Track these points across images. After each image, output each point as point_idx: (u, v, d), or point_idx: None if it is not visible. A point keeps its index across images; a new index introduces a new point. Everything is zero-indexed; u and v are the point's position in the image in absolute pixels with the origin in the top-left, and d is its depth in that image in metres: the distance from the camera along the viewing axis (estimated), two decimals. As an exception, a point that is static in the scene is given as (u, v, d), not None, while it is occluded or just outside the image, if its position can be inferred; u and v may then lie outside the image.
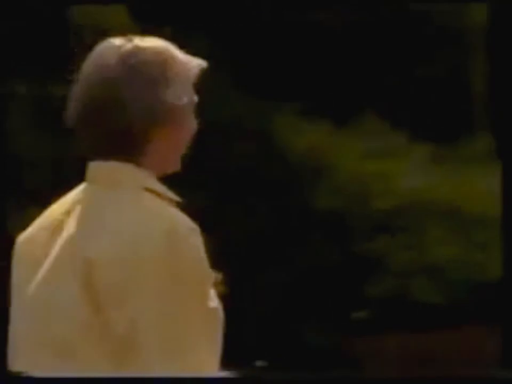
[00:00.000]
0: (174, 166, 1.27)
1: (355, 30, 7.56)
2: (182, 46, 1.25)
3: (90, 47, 1.26)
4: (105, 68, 1.20)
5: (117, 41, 1.23)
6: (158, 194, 1.23)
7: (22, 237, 1.32)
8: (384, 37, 7.61)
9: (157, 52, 1.22)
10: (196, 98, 1.22)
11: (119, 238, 1.18)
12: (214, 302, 1.19)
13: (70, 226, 1.24)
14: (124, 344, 1.17)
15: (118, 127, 1.21)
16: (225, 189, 8.05)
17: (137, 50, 1.21)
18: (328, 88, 7.80)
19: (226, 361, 1.26)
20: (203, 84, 1.24)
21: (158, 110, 1.20)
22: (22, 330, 1.27)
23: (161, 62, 1.21)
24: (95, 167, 1.25)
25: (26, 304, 1.27)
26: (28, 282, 1.28)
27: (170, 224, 1.18)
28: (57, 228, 1.27)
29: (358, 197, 7.94)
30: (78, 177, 1.31)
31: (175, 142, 1.24)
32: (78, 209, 1.25)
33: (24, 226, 1.33)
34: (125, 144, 1.22)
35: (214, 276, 1.21)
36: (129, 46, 1.21)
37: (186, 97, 1.21)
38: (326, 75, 7.80)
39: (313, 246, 8.02)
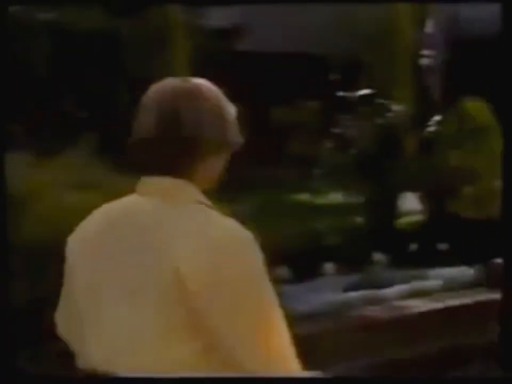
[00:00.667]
0: (214, 183, 1.47)
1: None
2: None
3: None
4: (170, 103, 1.41)
5: (178, 80, 1.44)
6: (209, 206, 1.41)
7: (76, 239, 1.48)
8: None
9: (215, 94, 1.45)
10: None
11: (203, 247, 1.35)
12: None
13: (143, 236, 1.41)
14: (214, 337, 1.33)
15: (182, 151, 1.41)
16: None
17: (200, 89, 1.44)
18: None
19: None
20: None
21: (217, 142, 1.43)
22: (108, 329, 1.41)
23: (218, 101, 1.43)
24: (151, 182, 1.44)
25: (105, 305, 1.41)
26: (97, 285, 1.43)
27: (239, 232, 1.37)
28: (119, 234, 1.43)
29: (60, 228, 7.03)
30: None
31: (221, 164, 1.45)
32: (141, 219, 1.44)
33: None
34: (183, 164, 1.43)
35: None
36: (190, 85, 1.44)
37: (236, 134, 1.44)
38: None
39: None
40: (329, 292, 2.60)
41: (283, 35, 4.85)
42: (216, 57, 3.47)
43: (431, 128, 3.54)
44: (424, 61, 4.37)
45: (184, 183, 1.45)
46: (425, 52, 4.42)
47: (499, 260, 2.87)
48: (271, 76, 4.51)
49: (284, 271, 2.57)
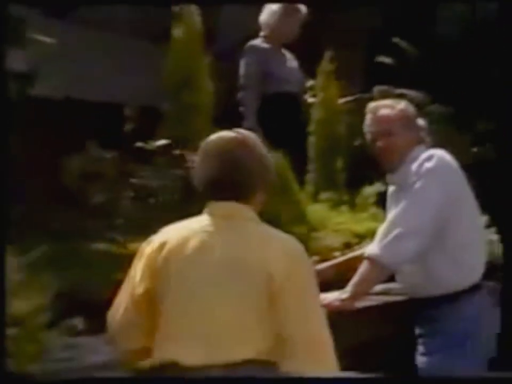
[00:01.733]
0: (261, 207, 2.02)
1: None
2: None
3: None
4: (232, 154, 1.92)
5: (231, 133, 2.00)
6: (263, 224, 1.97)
7: (170, 244, 1.92)
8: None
9: (259, 142, 2.01)
10: None
11: (284, 253, 1.84)
12: None
13: (230, 247, 1.85)
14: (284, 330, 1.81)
15: (246, 186, 1.96)
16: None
17: (249, 140, 1.99)
18: None
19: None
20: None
21: (266, 180, 2.00)
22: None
23: (262, 148, 2.00)
24: (221, 206, 1.93)
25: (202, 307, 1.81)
26: (189, 290, 1.83)
27: (298, 243, 1.92)
28: (203, 246, 1.86)
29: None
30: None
31: (265, 196, 2.03)
32: (224, 234, 1.87)
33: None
34: (246, 194, 1.94)
35: None
36: (243, 136, 1.98)
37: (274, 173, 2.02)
38: None
39: None
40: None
41: (84, 82, 4.74)
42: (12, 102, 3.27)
43: None
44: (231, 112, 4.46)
45: (247, 207, 1.94)
46: (237, 103, 4.51)
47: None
48: (66, 123, 4.36)
49: (80, 322, 2.44)
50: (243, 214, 1.94)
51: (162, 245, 1.95)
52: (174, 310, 1.87)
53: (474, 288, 3.00)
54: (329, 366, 1.87)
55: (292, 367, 1.82)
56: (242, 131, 2.01)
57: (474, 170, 4.16)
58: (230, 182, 1.92)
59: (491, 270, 3.30)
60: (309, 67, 4.74)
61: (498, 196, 5.09)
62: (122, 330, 2.04)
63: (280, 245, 1.90)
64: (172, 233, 1.96)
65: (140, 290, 1.98)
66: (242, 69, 4.57)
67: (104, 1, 3.52)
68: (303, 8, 4.71)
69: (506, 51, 5.95)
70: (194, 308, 1.83)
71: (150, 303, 1.95)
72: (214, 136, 1.99)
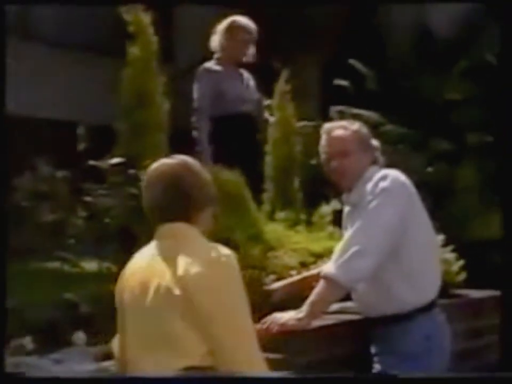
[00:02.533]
0: (210, 225, 2.22)
1: None
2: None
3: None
4: (171, 179, 2.13)
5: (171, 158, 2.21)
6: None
7: (125, 274, 2.19)
8: None
9: (198, 164, 2.22)
10: None
11: (199, 263, 2.02)
12: None
13: (163, 264, 2.06)
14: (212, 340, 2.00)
15: (188, 208, 2.14)
16: None
17: (188, 163, 2.21)
18: None
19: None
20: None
21: (207, 201, 2.20)
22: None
23: (202, 169, 2.21)
24: (165, 228, 2.14)
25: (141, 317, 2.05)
26: (138, 304, 2.06)
27: (222, 250, 2.08)
28: (150, 268, 2.08)
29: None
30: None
31: (211, 214, 2.21)
32: (164, 256, 2.09)
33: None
34: (187, 215, 2.14)
35: None
36: (181, 161, 2.20)
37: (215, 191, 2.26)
38: None
39: None
40: (79, 362, 2.45)
41: (34, 99, 4.67)
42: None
43: None
44: (189, 133, 4.45)
45: (189, 226, 2.13)
46: (191, 125, 4.50)
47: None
48: (17, 141, 4.30)
49: (28, 342, 2.38)
50: (180, 232, 2.13)
51: (124, 272, 2.21)
52: (128, 328, 2.14)
53: (429, 306, 3.01)
54: (255, 363, 2.06)
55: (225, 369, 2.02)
56: (181, 157, 2.20)
57: (429, 190, 4.20)
58: (170, 205, 2.11)
59: (445, 288, 3.32)
60: (266, 87, 4.75)
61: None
62: (114, 344, 2.29)
63: (201, 253, 2.07)
64: (133, 260, 2.21)
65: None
66: (194, 92, 4.57)
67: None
68: (251, 27, 4.70)
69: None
70: (138, 325, 2.07)
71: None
72: (155, 163, 2.18)
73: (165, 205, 2.12)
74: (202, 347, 2.00)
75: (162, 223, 2.14)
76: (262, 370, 2.09)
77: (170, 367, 1.97)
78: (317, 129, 3.40)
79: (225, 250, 2.10)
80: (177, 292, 2.00)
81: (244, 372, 2.02)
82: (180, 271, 2.02)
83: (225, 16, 4.80)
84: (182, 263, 2.04)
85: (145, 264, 2.13)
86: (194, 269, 2.02)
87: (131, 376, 2.01)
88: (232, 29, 4.67)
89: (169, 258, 2.07)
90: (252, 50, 4.74)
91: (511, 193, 3.96)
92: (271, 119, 4.57)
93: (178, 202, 2.12)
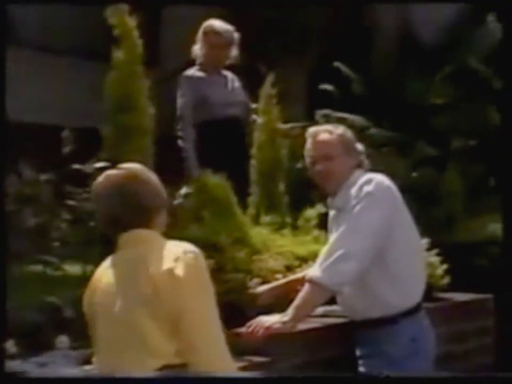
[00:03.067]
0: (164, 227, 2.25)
1: None
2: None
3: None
4: (123, 190, 2.16)
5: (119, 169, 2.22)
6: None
7: (94, 281, 2.22)
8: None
9: (147, 171, 2.25)
10: None
11: (167, 260, 2.05)
12: None
13: (131, 268, 2.10)
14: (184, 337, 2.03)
15: (142, 215, 2.18)
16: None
17: (138, 171, 2.23)
18: None
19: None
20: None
21: (158, 205, 2.22)
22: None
23: (150, 175, 2.24)
24: (129, 236, 2.17)
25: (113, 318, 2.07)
26: (109, 309, 2.08)
27: (188, 246, 2.12)
28: (120, 271, 2.12)
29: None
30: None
31: (164, 217, 2.24)
32: (125, 261, 2.14)
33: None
34: (141, 221, 2.17)
35: None
36: (131, 170, 2.21)
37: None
38: None
39: None
40: (62, 365, 2.44)
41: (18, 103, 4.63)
42: None
43: (175, 202, 3.51)
44: (173, 137, 4.45)
45: (147, 231, 2.17)
46: (176, 130, 4.50)
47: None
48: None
49: (11, 346, 2.37)
50: (144, 239, 2.16)
51: (91, 281, 2.24)
52: (99, 334, 2.18)
53: (414, 310, 3.02)
54: (223, 362, 2.07)
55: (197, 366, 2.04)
56: (127, 166, 2.22)
57: (414, 194, 4.22)
58: (125, 216, 2.15)
59: (429, 291, 3.33)
60: (252, 90, 4.75)
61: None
62: None
63: (167, 252, 2.09)
64: (100, 269, 2.24)
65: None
66: (178, 100, 4.57)
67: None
68: (225, 30, 4.68)
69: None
70: (109, 328, 2.10)
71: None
72: (101, 176, 2.21)
73: (120, 216, 2.15)
74: (173, 346, 2.02)
75: (120, 233, 2.18)
76: (231, 369, 2.10)
77: (143, 367, 1.99)
78: (303, 131, 3.41)
79: (191, 248, 2.13)
80: (146, 291, 2.03)
81: (225, 372, 2.03)
82: (149, 270, 2.05)
83: (211, 19, 4.79)
84: (150, 263, 2.07)
85: (113, 272, 2.16)
86: (162, 267, 2.05)
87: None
88: (206, 34, 4.67)
89: (137, 262, 2.10)
90: (233, 52, 4.74)
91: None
92: (258, 120, 4.56)
93: (132, 211, 2.15)
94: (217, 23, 4.70)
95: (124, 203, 2.15)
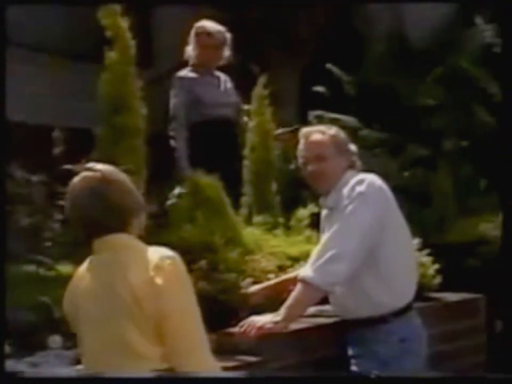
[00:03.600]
0: (141, 232, 2.21)
1: None
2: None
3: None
4: (95, 193, 2.11)
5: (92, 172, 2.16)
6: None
7: (72, 285, 2.22)
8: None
9: (120, 173, 2.19)
10: None
11: (146, 269, 2.04)
12: None
13: (110, 274, 2.07)
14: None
15: (116, 219, 2.14)
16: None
17: (110, 174, 2.16)
18: None
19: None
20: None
21: (137, 206, 2.20)
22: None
23: (124, 178, 2.19)
24: (105, 241, 2.14)
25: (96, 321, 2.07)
26: (92, 315, 2.08)
27: (165, 252, 2.09)
28: (98, 276, 2.10)
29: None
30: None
31: (142, 220, 2.21)
32: (101, 267, 2.12)
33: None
34: (119, 225, 2.14)
35: None
36: (103, 172, 2.16)
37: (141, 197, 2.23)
38: None
39: None
40: (55, 365, 2.44)
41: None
42: None
43: (168, 202, 3.52)
44: (165, 137, 4.46)
45: (123, 235, 2.14)
46: (168, 130, 4.51)
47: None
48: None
49: (4, 346, 2.37)
50: (119, 243, 2.13)
51: (71, 286, 2.25)
52: (84, 337, 2.18)
53: (405, 310, 3.03)
54: (208, 365, 2.08)
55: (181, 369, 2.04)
56: (100, 168, 2.16)
57: (406, 194, 4.23)
58: (98, 220, 2.12)
59: (421, 291, 3.35)
60: (244, 92, 4.76)
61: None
62: None
63: (145, 260, 2.08)
64: (74, 277, 2.24)
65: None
66: (170, 101, 4.58)
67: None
68: (215, 31, 4.69)
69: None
70: (93, 334, 2.10)
71: None
72: (75, 178, 2.16)
73: (94, 220, 2.12)
74: (158, 351, 2.03)
75: (95, 237, 2.15)
76: (215, 371, 2.11)
77: (129, 372, 2.00)
78: (294, 134, 3.42)
79: (168, 253, 2.10)
80: (126, 299, 2.02)
81: (216, 372, 2.04)
82: (127, 279, 2.04)
83: (203, 20, 4.80)
84: (129, 271, 2.05)
85: (91, 276, 2.14)
86: (141, 276, 2.03)
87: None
88: (198, 35, 4.69)
89: (115, 269, 2.08)
90: (226, 53, 4.75)
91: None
92: (250, 123, 4.57)
93: (106, 214, 2.12)
94: (209, 24, 4.71)
95: (97, 205, 2.11)
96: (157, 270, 2.04)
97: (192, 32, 4.72)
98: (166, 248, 2.14)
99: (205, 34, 4.67)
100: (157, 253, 2.10)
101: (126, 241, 2.14)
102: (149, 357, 2.01)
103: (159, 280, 2.02)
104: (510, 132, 4.04)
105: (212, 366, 2.09)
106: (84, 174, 2.16)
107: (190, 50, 4.75)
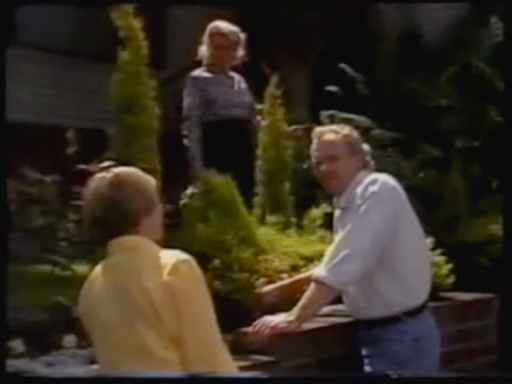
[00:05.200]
0: (159, 234, 2.21)
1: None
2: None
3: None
4: (105, 193, 2.12)
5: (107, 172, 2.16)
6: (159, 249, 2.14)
7: (86, 286, 2.21)
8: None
9: (141, 179, 2.20)
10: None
11: (161, 273, 2.03)
12: None
13: (124, 278, 2.07)
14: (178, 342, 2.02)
15: (128, 220, 2.14)
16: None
17: (124, 175, 2.17)
18: None
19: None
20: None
21: (150, 208, 2.18)
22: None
23: (140, 177, 2.19)
24: (120, 242, 2.14)
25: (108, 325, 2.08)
26: (107, 317, 2.08)
27: (180, 255, 2.08)
28: (112, 280, 2.10)
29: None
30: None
31: (158, 220, 2.20)
32: (115, 270, 2.12)
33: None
34: (131, 226, 2.13)
35: None
36: (118, 174, 2.17)
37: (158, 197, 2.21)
38: None
39: None
40: (70, 365, 2.46)
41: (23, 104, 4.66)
42: None
43: (181, 202, 3.52)
44: (180, 137, 4.47)
45: (136, 237, 2.14)
46: (182, 130, 4.52)
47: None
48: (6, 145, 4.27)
49: (19, 345, 2.38)
50: (131, 245, 2.14)
51: (85, 287, 2.24)
52: (98, 338, 2.18)
53: (418, 309, 3.03)
54: (223, 366, 2.08)
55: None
56: (116, 170, 2.18)
57: (419, 194, 4.22)
58: (111, 221, 2.13)
59: (434, 290, 3.34)
60: (257, 91, 4.77)
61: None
62: None
63: (160, 264, 2.07)
64: (89, 277, 2.24)
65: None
66: (184, 100, 4.59)
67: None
68: (230, 32, 4.71)
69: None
70: (108, 335, 2.11)
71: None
72: (92, 180, 2.19)
73: (105, 222, 2.13)
74: (174, 355, 2.03)
75: (108, 239, 2.17)
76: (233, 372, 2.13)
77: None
78: (308, 133, 3.42)
79: (183, 256, 2.10)
80: (142, 303, 2.02)
81: (229, 372, 2.04)
82: (143, 283, 2.04)
83: (215, 21, 4.81)
84: (144, 275, 2.05)
85: (106, 279, 2.15)
86: (156, 281, 2.03)
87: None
88: (212, 35, 4.70)
89: (130, 272, 2.09)
90: (239, 53, 4.76)
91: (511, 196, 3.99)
92: (263, 122, 4.58)
93: (116, 216, 2.12)
94: (223, 24, 4.72)
95: (107, 207, 2.12)
96: (172, 274, 2.04)
97: (206, 33, 4.73)
98: (180, 251, 2.13)
99: (219, 35, 4.68)
100: (171, 257, 2.09)
101: (139, 243, 2.14)
102: (166, 360, 2.01)
103: (175, 285, 2.02)
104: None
105: (230, 368, 2.09)
106: (99, 175, 2.18)
107: (203, 50, 4.76)
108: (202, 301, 2.08)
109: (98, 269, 2.21)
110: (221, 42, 4.68)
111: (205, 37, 4.74)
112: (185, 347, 2.03)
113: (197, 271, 2.09)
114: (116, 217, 2.12)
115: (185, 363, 2.03)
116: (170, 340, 2.03)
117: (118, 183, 2.14)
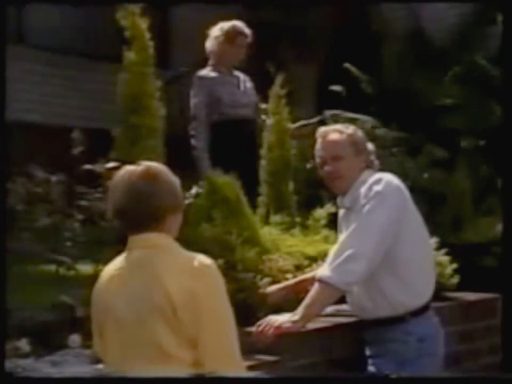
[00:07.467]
0: (176, 235, 2.16)
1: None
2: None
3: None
4: (133, 186, 2.08)
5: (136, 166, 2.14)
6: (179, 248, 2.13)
7: (102, 280, 2.16)
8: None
9: (165, 171, 2.15)
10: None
11: (183, 274, 2.02)
12: None
13: (144, 276, 2.05)
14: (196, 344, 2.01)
15: (153, 216, 2.09)
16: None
17: (154, 171, 2.13)
18: None
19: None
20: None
21: (176, 206, 2.14)
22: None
23: (169, 176, 2.14)
24: (141, 239, 2.11)
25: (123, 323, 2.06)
26: (121, 315, 2.06)
27: (203, 259, 2.07)
28: (131, 277, 2.07)
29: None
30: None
31: (179, 221, 2.17)
32: (135, 267, 2.08)
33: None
34: (152, 222, 2.09)
35: None
36: (147, 168, 2.12)
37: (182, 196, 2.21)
38: None
39: None
40: (74, 364, 2.46)
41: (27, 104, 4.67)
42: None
43: (186, 201, 3.53)
44: (186, 137, 4.48)
45: (158, 234, 2.10)
46: (187, 130, 4.53)
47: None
48: (11, 145, 4.29)
49: (24, 345, 2.39)
50: (153, 243, 2.11)
51: (100, 282, 2.20)
52: (110, 337, 2.15)
53: (423, 309, 3.03)
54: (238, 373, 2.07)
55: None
56: (147, 163, 2.16)
57: (423, 194, 4.21)
58: (136, 215, 2.09)
59: (438, 290, 3.34)
60: (261, 91, 4.77)
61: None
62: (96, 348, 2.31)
63: (182, 266, 2.07)
64: (104, 271, 2.20)
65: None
66: (191, 100, 4.61)
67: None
68: (248, 31, 4.74)
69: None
70: (121, 334, 2.09)
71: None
72: (120, 171, 2.16)
73: (135, 213, 2.08)
74: (190, 356, 2.02)
75: (132, 232, 2.12)
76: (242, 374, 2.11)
77: (157, 374, 1.99)
78: (313, 131, 3.42)
79: (206, 261, 2.08)
80: (162, 304, 2.00)
81: (234, 373, 2.04)
82: (165, 285, 2.02)
83: (222, 21, 4.82)
84: (166, 277, 2.03)
85: (123, 275, 2.12)
86: (179, 283, 2.02)
87: (131, 377, 2.01)
88: (232, 34, 4.71)
89: (150, 270, 2.06)
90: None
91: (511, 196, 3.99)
92: (268, 121, 4.59)
93: (141, 210, 2.08)
94: (240, 25, 4.76)
95: (137, 199, 2.07)
96: (195, 278, 2.02)
97: (221, 31, 4.73)
98: (203, 255, 2.10)
99: (239, 34, 4.71)
100: (194, 260, 2.06)
101: (161, 241, 2.10)
102: (179, 360, 2.00)
103: (197, 289, 2.01)
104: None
105: (242, 371, 2.10)
106: (129, 167, 2.14)
107: (213, 48, 4.76)
108: (223, 305, 2.07)
109: (116, 262, 2.16)
110: (240, 41, 4.73)
111: (219, 35, 4.73)
112: (203, 349, 2.02)
113: (219, 275, 2.08)
114: (144, 211, 2.08)
115: (200, 364, 2.02)
116: (187, 340, 2.01)
117: (151, 177, 2.10)
